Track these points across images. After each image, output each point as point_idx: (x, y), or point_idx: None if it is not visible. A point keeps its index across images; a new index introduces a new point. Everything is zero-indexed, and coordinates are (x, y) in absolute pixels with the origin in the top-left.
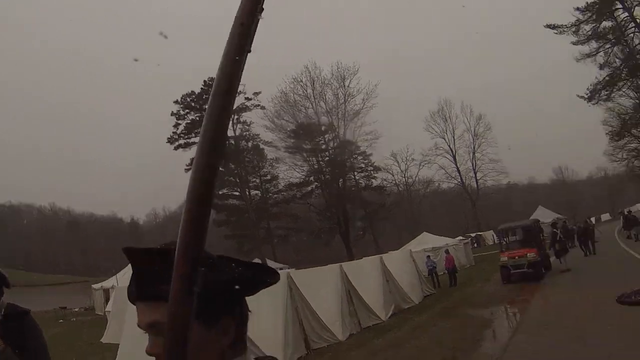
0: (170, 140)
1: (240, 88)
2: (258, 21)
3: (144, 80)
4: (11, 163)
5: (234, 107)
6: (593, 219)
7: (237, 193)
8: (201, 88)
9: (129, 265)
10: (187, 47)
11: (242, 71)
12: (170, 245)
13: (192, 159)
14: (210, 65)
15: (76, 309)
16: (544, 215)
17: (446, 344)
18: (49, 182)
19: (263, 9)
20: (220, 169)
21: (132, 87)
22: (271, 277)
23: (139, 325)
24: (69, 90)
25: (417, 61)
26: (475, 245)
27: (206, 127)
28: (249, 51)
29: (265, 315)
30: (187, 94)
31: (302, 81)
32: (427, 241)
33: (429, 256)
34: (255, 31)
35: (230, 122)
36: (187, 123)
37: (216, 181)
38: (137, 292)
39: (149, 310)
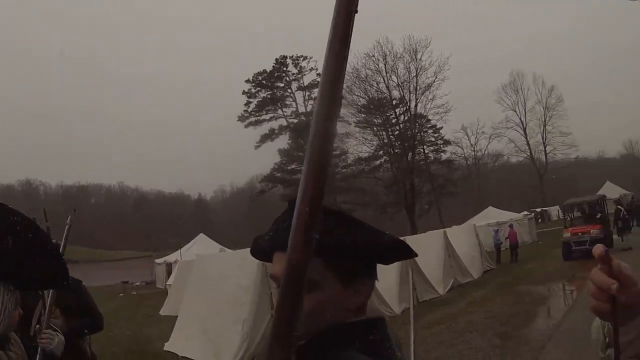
0: (241, 118)
1: (312, 64)
2: None
3: (214, 51)
4: (81, 145)
5: (307, 82)
6: None
7: None
8: (273, 66)
9: (194, 240)
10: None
11: (351, 30)
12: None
13: (262, 135)
14: (282, 42)
15: (137, 283)
16: (612, 191)
17: (499, 319)
18: (118, 162)
19: None
20: (288, 143)
21: (201, 62)
22: (409, 254)
23: (271, 277)
24: (135, 60)
25: (489, 31)
26: (540, 220)
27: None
28: (356, 11)
29: None
30: (258, 72)
31: (374, 56)
32: (492, 216)
33: (497, 230)
34: None
35: (302, 97)
36: (258, 101)
37: (334, 136)
38: (276, 243)
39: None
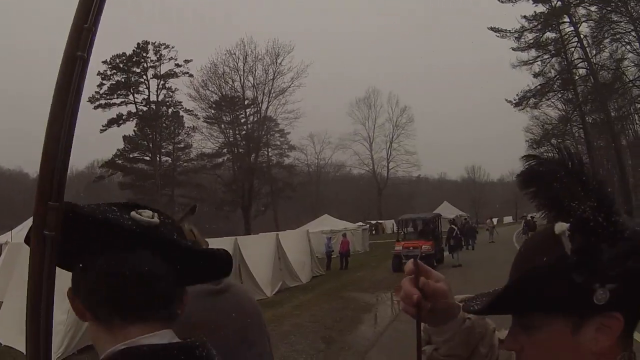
0: (91, 100)
1: (172, 54)
2: None
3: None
4: None
5: (164, 71)
6: (495, 220)
7: (147, 158)
8: (133, 50)
9: (27, 222)
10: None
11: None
12: None
13: (109, 120)
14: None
15: None
16: (449, 211)
17: (325, 324)
18: None
19: None
20: (134, 130)
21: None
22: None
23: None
24: None
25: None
26: (374, 232)
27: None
28: (83, 57)
29: None
30: (117, 54)
31: (234, 54)
32: (327, 223)
33: (329, 238)
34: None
35: (156, 86)
36: (111, 84)
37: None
38: None
39: None
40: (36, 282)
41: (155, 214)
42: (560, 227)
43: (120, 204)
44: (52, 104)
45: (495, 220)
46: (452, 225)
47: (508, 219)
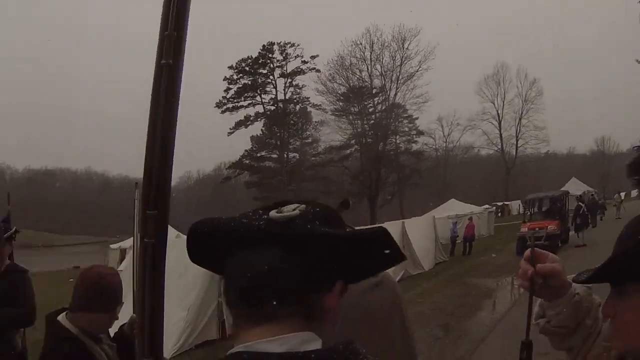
0: (219, 105)
1: (298, 52)
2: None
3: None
4: (48, 127)
5: (290, 70)
6: (623, 194)
7: (275, 156)
8: (259, 52)
9: None
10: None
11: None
12: None
13: (236, 122)
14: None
15: None
16: (576, 188)
17: (446, 311)
18: (85, 145)
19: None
20: (262, 129)
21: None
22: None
23: None
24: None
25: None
26: (500, 214)
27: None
28: (169, 64)
29: None
30: (243, 59)
31: (361, 44)
32: (453, 208)
33: (455, 223)
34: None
35: (283, 84)
36: (238, 87)
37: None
38: None
39: None
40: (140, 284)
41: (301, 206)
42: None
43: (269, 206)
44: (150, 113)
45: (622, 194)
46: (579, 203)
47: (634, 192)
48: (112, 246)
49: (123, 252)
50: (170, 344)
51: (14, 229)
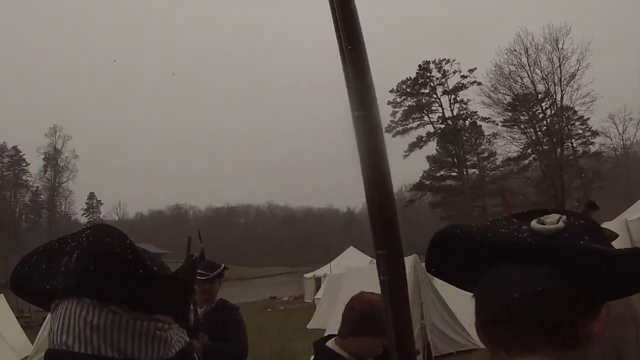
0: (388, 129)
1: (455, 67)
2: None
3: None
4: (228, 166)
5: (451, 86)
6: None
7: (454, 174)
8: (416, 72)
9: (344, 253)
10: None
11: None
12: None
13: (409, 144)
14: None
15: (285, 298)
16: None
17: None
18: (267, 182)
19: None
20: (436, 149)
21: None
22: None
23: None
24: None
25: None
26: None
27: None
28: (350, 47)
29: None
30: (402, 80)
31: (515, 50)
32: None
33: None
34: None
35: (447, 101)
36: (404, 110)
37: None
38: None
39: None
40: (388, 318)
41: (563, 217)
42: None
43: (522, 214)
44: (360, 155)
45: None
46: None
47: None
48: (306, 275)
49: (318, 281)
50: None
51: (222, 266)
